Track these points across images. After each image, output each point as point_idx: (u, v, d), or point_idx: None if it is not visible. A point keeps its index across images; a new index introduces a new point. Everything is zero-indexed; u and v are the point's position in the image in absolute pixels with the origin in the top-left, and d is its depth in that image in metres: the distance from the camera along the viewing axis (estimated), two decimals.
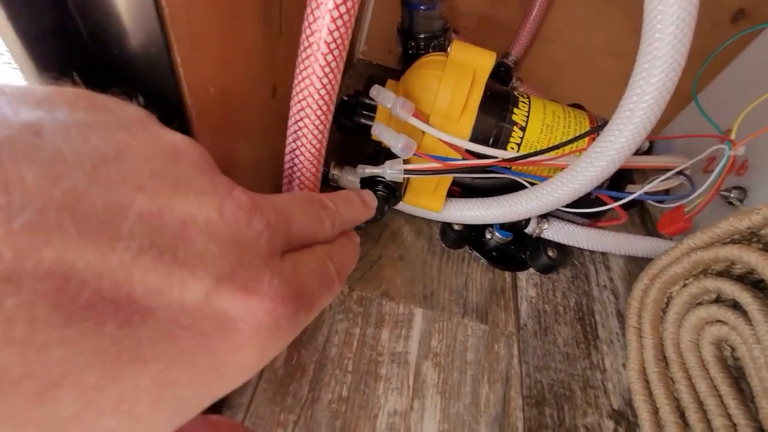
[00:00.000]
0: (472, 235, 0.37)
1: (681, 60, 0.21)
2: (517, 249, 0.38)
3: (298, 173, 0.20)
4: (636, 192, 0.30)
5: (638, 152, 0.50)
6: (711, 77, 0.45)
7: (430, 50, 0.39)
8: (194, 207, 0.10)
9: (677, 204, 0.34)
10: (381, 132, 0.26)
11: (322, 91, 0.18)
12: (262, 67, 0.22)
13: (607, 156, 0.25)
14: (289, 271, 0.13)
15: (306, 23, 0.17)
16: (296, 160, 0.19)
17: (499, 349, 0.31)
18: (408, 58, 0.40)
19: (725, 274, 0.30)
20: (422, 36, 0.38)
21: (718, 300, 0.30)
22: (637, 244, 0.37)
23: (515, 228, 0.36)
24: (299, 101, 0.18)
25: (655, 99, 0.22)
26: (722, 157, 0.30)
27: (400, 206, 0.35)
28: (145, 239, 0.09)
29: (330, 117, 0.19)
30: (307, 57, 0.17)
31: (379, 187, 0.28)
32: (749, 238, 0.28)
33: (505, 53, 0.47)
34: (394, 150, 0.27)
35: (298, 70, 0.18)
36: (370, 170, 0.27)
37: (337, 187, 0.37)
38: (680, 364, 0.31)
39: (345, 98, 0.34)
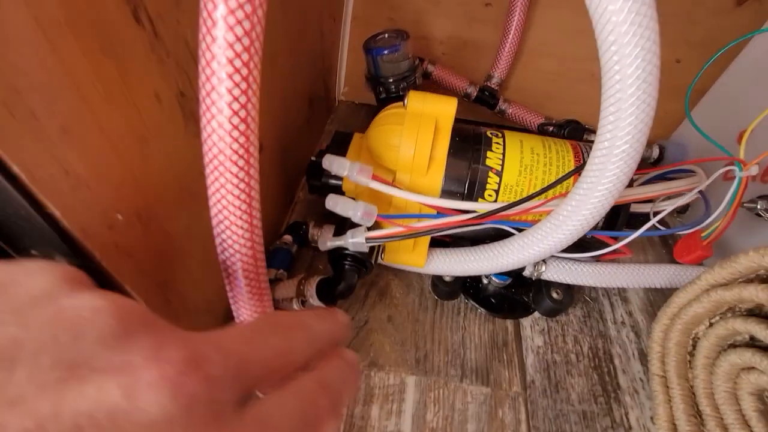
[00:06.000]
0: (466, 283, 0.34)
1: (653, 91, 0.18)
2: (518, 292, 0.35)
3: (237, 266, 0.18)
4: (640, 229, 0.26)
5: (645, 162, 0.46)
6: (718, 73, 0.40)
7: (401, 92, 0.37)
8: (91, 398, 0.09)
9: (693, 229, 0.30)
10: (335, 204, 0.24)
11: (240, 174, 0.16)
12: (194, 162, 0.20)
13: (590, 203, 0.22)
14: (250, 429, 0.11)
15: (203, 107, 0.15)
16: (227, 254, 0.18)
17: (503, 414, 0.28)
18: (381, 103, 0.38)
19: (756, 312, 0.25)
20: (391, 80, 0.36)
21: (753, 341, 0.26)
22: (655, 275, 0.33)
23: (513, 270, 0.33)
24: (214, 192, 0.16)
25: (630, 143, 0.19)
26: (734, 179, 0.26)
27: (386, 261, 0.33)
28: None
29: (254, 202, 0.17)
30: (214, 144, 0.15)
31: (347, 261, 0.26)
32: None
33: (487, 75, 0.45)
34: (354, 220, 0.25)
35: (206, 159, 0.16)
36: (332, 242, 0.26)
37: (316, 249, 0.36)
38: (717, 419, 0.26)
39: (313, 158, 0.32)
